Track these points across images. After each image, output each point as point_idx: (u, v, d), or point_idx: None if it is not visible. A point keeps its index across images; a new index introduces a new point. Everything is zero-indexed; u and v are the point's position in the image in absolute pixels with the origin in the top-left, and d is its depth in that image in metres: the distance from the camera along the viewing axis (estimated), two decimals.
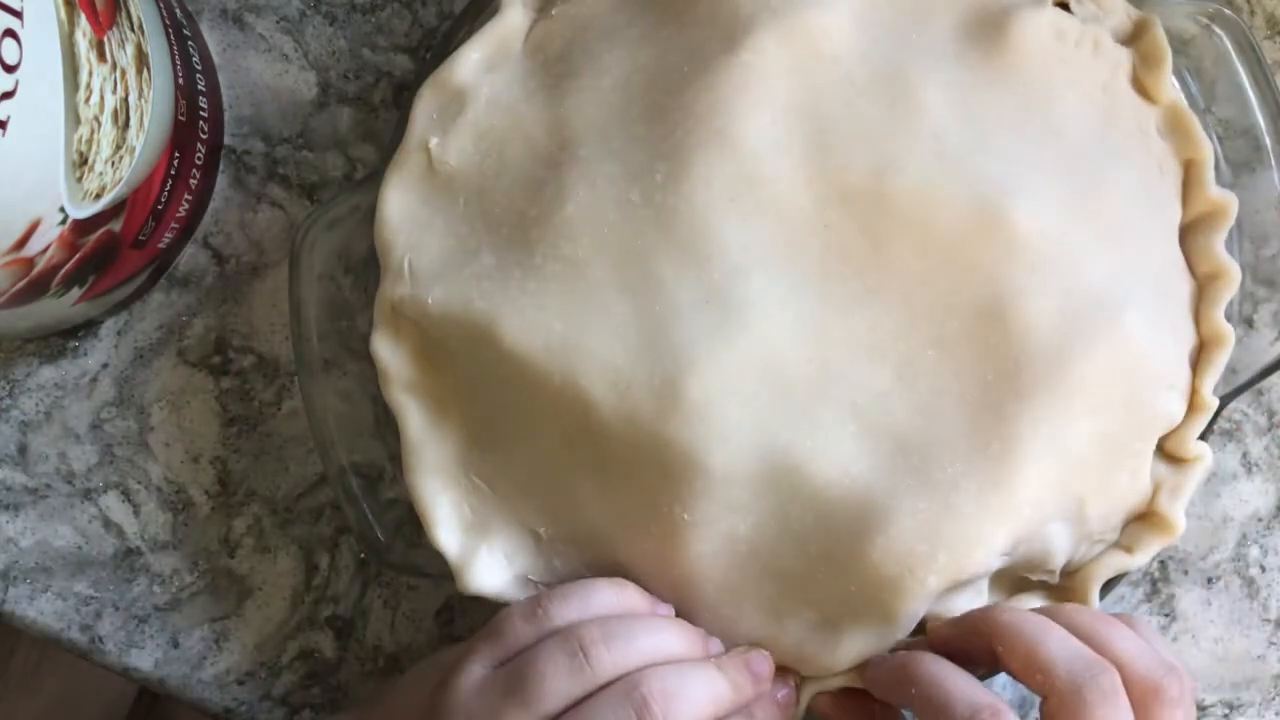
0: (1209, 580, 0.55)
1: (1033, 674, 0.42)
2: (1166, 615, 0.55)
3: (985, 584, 0.48)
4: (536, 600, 0.45)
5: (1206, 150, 0.50)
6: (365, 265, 0.56)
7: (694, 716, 0.43)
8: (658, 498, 0.46)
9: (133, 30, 0.47)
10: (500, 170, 0.49)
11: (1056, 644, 0.43)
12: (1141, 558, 0.48)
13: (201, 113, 0.54)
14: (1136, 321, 0.46)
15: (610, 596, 0.46)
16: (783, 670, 0.48)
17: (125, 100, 0.47)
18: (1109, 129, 0.49)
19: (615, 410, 0.46)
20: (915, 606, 0.46)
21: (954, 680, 0.43)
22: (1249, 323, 0.55)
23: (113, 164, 0.47)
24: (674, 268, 0.46)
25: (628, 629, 0.44)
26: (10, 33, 0.39)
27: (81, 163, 0.45)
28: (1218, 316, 0.50)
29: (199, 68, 0.54)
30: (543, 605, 0.45)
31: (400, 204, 0.49)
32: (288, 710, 0.56)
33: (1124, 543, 0.49)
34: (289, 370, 0.56)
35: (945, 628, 0.47)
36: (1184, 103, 0.50)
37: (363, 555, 0.56)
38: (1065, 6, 0.50)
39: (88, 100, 0.44)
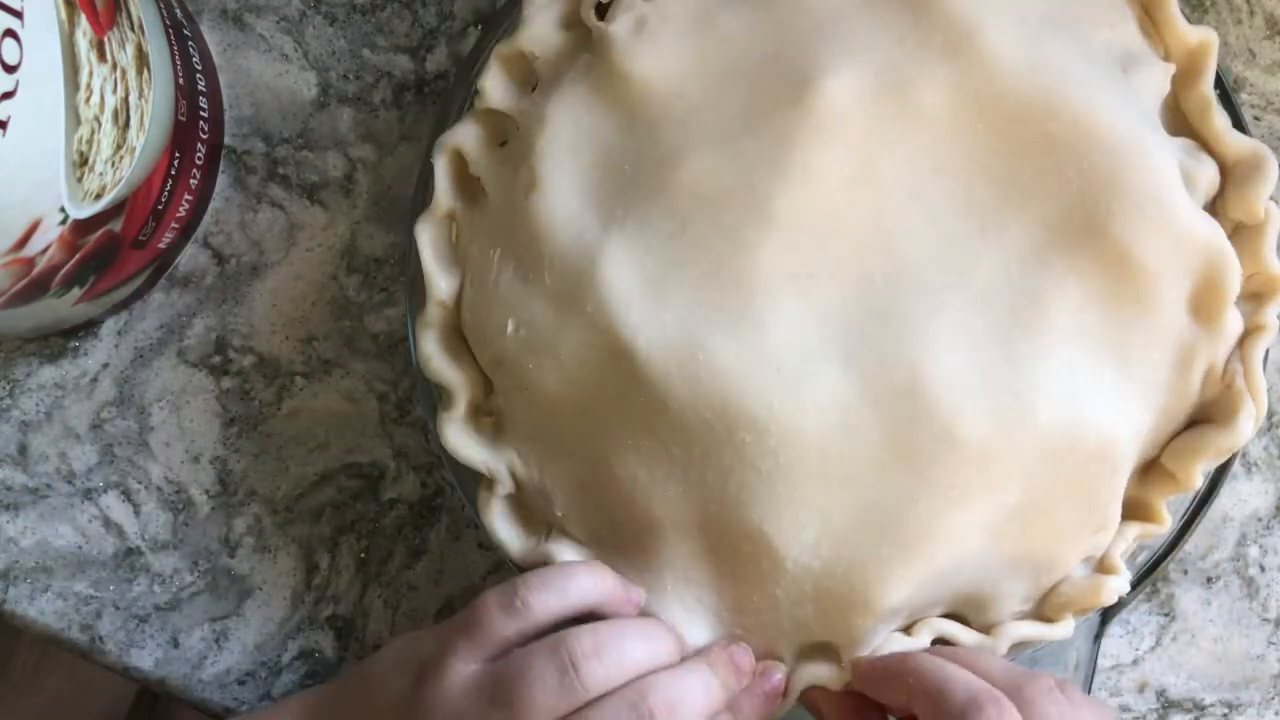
0: (1208, 580, 0.55)
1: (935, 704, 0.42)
2: (1166, 615, 0.55)
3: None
4: (514, 589, 0.44)
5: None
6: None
7: None
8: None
9: (133, 30, 0.47)
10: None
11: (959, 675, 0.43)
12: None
13: (201, 113, 0.54)
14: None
15: (588, 582, 0.46)
16: (771, 660, 0.47)
17: (125, 100, 0.47)
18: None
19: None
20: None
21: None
22: None
23: (113, 164, 0.47)
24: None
25: (619, 638, 0.44)
26: (11, 33, 0.39)
27: (82, 163, 0.45)
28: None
29: (199, 68, 0.54)
30: (520, 595, 0.44)
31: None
32: None
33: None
34: (289, 370, 0.56)
35: (865, 662, 0.46)
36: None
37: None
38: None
39: (88, 100, 0.44)
